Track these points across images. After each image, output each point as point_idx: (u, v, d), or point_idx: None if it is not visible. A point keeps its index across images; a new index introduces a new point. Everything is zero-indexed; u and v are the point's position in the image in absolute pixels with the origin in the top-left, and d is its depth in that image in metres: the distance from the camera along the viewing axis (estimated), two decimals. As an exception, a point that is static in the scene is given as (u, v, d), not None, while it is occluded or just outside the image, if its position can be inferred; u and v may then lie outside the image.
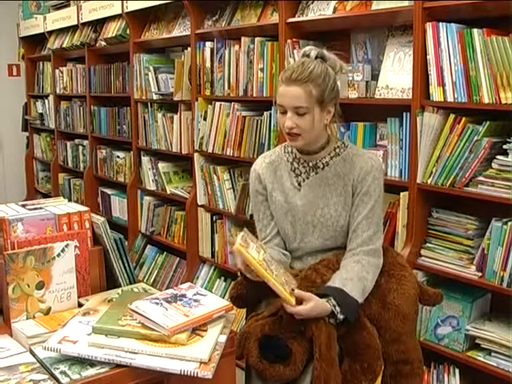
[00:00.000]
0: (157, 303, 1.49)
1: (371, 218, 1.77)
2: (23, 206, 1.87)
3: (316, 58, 1.75)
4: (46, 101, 5.33)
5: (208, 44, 3.11)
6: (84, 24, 4.36)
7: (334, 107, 1.78)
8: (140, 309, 1.44)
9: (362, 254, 1.75)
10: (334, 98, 1.77)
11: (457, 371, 2.15)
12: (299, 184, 1.85)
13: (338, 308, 1.63)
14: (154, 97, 3.58)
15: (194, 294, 1.59)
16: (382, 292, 1.75)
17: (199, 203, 3.29)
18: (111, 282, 1.79)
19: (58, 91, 5.08)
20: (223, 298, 3.22)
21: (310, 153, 1.83)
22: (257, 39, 2.79)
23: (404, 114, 2.22)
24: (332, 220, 1.80)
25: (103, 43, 4.18)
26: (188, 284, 1.68)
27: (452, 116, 2.06)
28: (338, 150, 1.83)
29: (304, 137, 1.75)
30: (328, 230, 1.82)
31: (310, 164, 1.84)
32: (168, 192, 3.62)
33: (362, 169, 1.78)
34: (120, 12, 3.81)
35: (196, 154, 3.27)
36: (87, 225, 1.79)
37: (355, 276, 1.70)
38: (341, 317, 1.63)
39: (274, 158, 1.92)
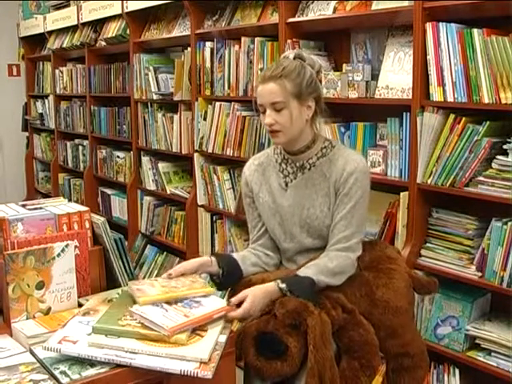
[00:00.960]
0: (157, 305, 1.49)
1: (349, 218, 1.76)
2: (23, 205, 1.87)
3: (294, 58, 1.79)
4: (46, 101, 5.33)
5: (208, 44, 3.11)
6: (84, 24, 4.36)
7: (314, 102, 1.79)
8: (139, 310, 1.44)
9: (335, 250, 1.77)
10: (312, 93, 1.78)
11: (457, 371, 2.15)
12: (286, 185, 1.86)
13: (283, 285, 1.66)
14: (154, 97, 3.58)
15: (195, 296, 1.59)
16: (371, 289, 1.75)
17: (199, 203, 3.29)
18: (111, 282, 1.79)
19: (58, 91, 5.08)
20: (223, 298, 3.22)
21: (296, 153, 1.83)
22: (257, 39, 2.79)
23: (404, 113, 2.22)
24: (318, 221, 1.81)
25: (103, 43, 4.18)
26: None
27: (452, 116, 2.06)
28: (324, 151, 1.83)
29: (285, 133, 1.76)
30: (315, 230, 1.82)
31: (298, 164, 1.85)
32: (168, 192, 3.62)
33: (345, 170, 1.77)
34: (120, 12, 3.81)
35: (196, 154, 3.27)
36: (87, 225, 1.79)
37: (314, 264, 1.74)
38: (282, 285, 1.66)
39: (263, 159, 1.93)
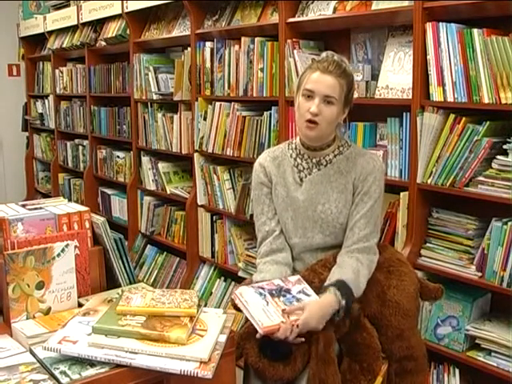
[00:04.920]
0: (261, 293, 1.56)
1: (369, 217, 1.79)
2: (23, 205, 1.87)
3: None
4: (46, 101, 5.33)
5: (208, 44, 3.11)
6: (84, 24, 4.36)
7: (348, 110, 1.84)
8: (243, 297, 1.51)
9: (357, 251, 1.77)
10: (352, 102, 1.84)
11: (457, 371, 2.15)
12: (301, 179, 1.87)
13: (338, 292, 1.64)
14: (154, 97, 3.58)
15: (299, 292, 1.64)
16: (382, 289, 1.76)
17: (199, 203, 3.29)
18: (111, 282, 1.79)
19: (58, 91, 5.08)
20: (223, 298, 3.23)
21: (316, 149, 1.85)
22: (257, 39, 2.78)
23: (404, 113, 2.22)
24: (332, 216, 1.82)
25: (103, 43, 4.18)
26: (297, 277, 1.74)
27: (452, 116, 2.06)
28: (341, 149, 1.86)
29: (322, 127, 1.76)
30: (328, 226, 1.83)
31: (314, 160, 1.86)
32: (168, 192, 3.62)
33: (364, 168, 1.81)
34: (120, 12, 3.81)
35: (196, 154, 3.27)
36: (87, 225, 1.79)
37: (350, 270, 1.72)
38: (343, 302, 1.63)
39: (277, 153, 1.94)
